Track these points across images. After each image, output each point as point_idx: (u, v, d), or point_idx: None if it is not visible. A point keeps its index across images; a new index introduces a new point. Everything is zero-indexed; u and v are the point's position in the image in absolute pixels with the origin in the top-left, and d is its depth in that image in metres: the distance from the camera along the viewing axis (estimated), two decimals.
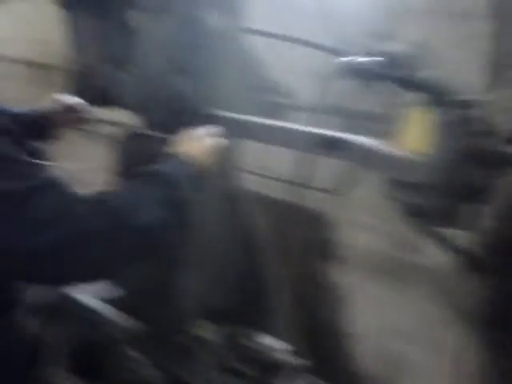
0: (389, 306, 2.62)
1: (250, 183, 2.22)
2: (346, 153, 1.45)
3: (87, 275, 1.29)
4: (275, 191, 2.79)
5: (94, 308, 2.07)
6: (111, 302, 2.08)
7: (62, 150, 1.96)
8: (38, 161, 1.28)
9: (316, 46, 1.92)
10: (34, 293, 2.83)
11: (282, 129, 1.55)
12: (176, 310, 1.91)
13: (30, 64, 4.50)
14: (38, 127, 1.83)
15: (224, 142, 1.56)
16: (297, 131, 1.53)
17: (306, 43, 1.94)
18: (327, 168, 2.65)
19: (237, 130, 1.66)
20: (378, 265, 2.66)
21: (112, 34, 1.77)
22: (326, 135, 1.47)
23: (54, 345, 2.16)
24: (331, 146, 1.46)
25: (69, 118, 1.90)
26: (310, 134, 1.50)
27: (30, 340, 1.57)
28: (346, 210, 2.67)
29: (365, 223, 2.65)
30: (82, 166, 3.46)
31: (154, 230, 1.31)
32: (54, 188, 1.19)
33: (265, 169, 2.90)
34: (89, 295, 2.15)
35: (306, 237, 2.67)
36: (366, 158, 1.44)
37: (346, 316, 2.75)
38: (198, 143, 1.51)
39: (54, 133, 1.90)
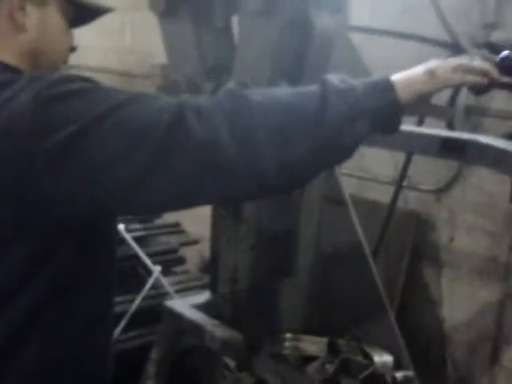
0: (492, 310, 2.50)
1: (349, 185, 2.14)
2: (477, 156, 1.34)
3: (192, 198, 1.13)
4: (374, 193, 2.72)
5: (191, 317, 2.03)
6: (207, 310, 2.04)
7: None
8: None
9: (425, 40, 1.82)
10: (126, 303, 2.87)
11: (404, 132, 1.45)
12: (274, 319, 1.85)
13: (118, 73, 4.58)
14: None
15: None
16: (421, 134, 1.42)
17: (415, 37, 1.83)
18: (427, 167, 2.58)
19: None
20: (481, 266, 2.54)
21: (214, 40, 1.72)
22: (454, 137, 1.36)
23: (150, 355, 2.16)
24: (460, 148, 1.35)
25: None
26: (435, 136, 1.39)
27: (126, 351, 1.51)
28: (447, 210, 2.57)
29: (468, 223, 2.54)
30: None
31: (285, 122, 1.09)
32: (147, 95, 1.11)
33: (362, 170, 2.83)
34: (184, 303, 2.13)
35: (406, 239, 2.58)
36: (499, 160, 1.32)
37: (448, 321, 2.64)
38: (420, 67, 1.20)
39: None
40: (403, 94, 1.14)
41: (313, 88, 1.13)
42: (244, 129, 1.07)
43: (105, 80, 4.69)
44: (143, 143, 1.05)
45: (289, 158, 1.09)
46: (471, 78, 1.21)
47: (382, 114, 1.13)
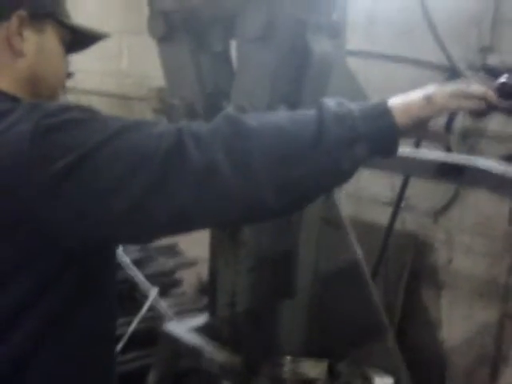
0: (492, 332, 2.50)
1: (346, 207, 2.15)
2: (475, 180, 1.35)
3: (184, 225, 1.14)
4: (371, 214, 2.72)
5: (188, 340, 2.02)
6: (205, 332, 2.03)
7: None
8: None
9: (421, 64, 1.83)
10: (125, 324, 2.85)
11: (402, 155, 1.46)
12: (273, 342, 1.84)
13: (116, 96, 4.60)
14: None
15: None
16: (419, 158, 1.43)
17: (411, 61, 1.85)
18: (424, 188, 2.58)
19: None
20: (480, 287, 2.53)
21: (212, 65, 1.73)
22: (453, 162, 1.36)
23: (148, 378, 2.15)
24: (459, 172, 1.36)
25: None
26: (433, 160, 1.40)
27: (124, 373, 1.50)
28: (445, 231, 2.57)
29: (466, 244, 2.54)
30: None
31: (282, 162, 1.08)
32: (145, 123, 1.12)
33: (360, 191, 2.84)
34: (182, 326, 2.11)
35: (404, 261, 2.57)
36: (498, 185, 1.33)
37: (447, 343, 2.63)
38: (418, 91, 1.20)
39: None
40: (400, 119, 1.14)
41: (310, 112, 1.13)
42: (242, 154, 1.07)
43: (102, 103, 4.77)
44: (141, 170, 1.06)
45: (286, 182, 1.09)
46: (469, 104, 1.20)
47: (380, 138, 1.13)
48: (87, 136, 1.07)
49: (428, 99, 1.18)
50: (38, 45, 1.26)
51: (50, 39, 1.29)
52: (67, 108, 1.11)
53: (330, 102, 1.14)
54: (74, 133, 1.07)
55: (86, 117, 1.11)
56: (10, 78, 1.24)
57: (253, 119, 1.12)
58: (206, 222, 1.20)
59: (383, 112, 1.14)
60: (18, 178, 1.06)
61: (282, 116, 1.17)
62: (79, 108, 1.13)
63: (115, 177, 1.06)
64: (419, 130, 1.22)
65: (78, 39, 1.38)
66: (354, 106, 1.14)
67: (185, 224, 1.15)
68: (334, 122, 1.09)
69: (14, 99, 1.21)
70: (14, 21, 1.21)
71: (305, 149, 1.09)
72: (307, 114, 1.14)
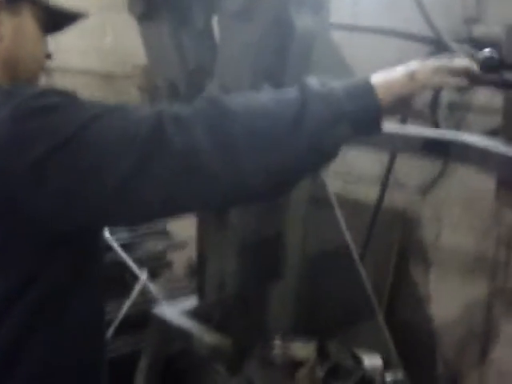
0: (481, 307, 2.50)
1: (333, 185, 2.14)
2: (461, 155, 1.33)
3: (167, 209, 1.13)
4: (359, 192, 2.71)
5: (179, 323, 2.01)
6: (195, 315, 2.02)
7: None
8: None
9: (406, 36, 1.80)
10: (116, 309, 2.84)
11: (388, 132, 1.43)
12: (262, 324, 1.83)
13: (99, 74, 4.55)
14: None
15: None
16: (405, 134, 1.41)
17: (396, 33, 1.82)
18: (411, 165, 2.57)
19: None
20: (468, 263, 2.53)
21: (194, 43, 1.69)
22: (439, 137, 1.34)
23: (139, 362, 2.14)
24: (445, 148, 1.34)
25: None
26: (419, 136, 1.38)
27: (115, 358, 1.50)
28: (433, 208, 2.56)
29: (453, 220, 2.53)
30: None
31: (262, 144, 1.07)
32: (123, 108, 1.10)
33: (347, 170, 2.82)
34: (172, 309, 2.10)
35: (392, 238, 2.56)
36: (484, 160, 1.31)
37: (436, 320, 2.64)
38: (400, 69, 1.19)
39: None
40: (383, 97, 1.13)
41: (293, 92, 1.12)
42: (225, 137, 1.06)
43: (86, 81, 4.68)
44: (122, 154, 1.04)
45: (271, 163, 1.08)
46: (452, 80, 1.20)
47: (363, 116, 1.12)
48: (66, 120, 1.06)
49: (410, 76, 1.17)
50: (15, 28, 1.24)
51: (27, 21, 1.27)
52: (44, 93, 1.10)
53: (313, 82, 1.13)
54: (53, 118, 1.06)
55: (63, 101, 1.09)
56: None
57: (235, 101, 1.11)
58: (193, 205, 1.19)
59: (366, 90, 1.13)
60: (2, 166, 1.04)
61: (264, 97, 1.15)
62: (56, 92, 1.12)
63: (96, 160, 1.05)
64: (402, 107, 1.21)
65: (57, 19, 1.36)
66: (336, 85, 1.13)
67: (172, 206, 1.14)
68: (317, 101, 1.09)
69: None
70: None
71: (288, 130, 1.08)
72: (290, 94, 1.13)
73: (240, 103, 1.10)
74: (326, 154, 1.13)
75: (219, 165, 1.05)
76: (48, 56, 1.37)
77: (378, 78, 1.15)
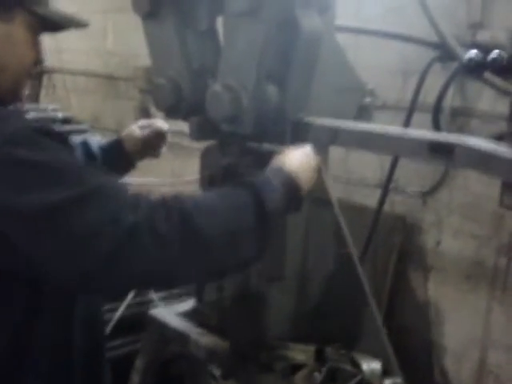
0: (480, 314, 2.49)
1: (334, 189, 2.13)
2: (465, 159, 1.31)
3: (144, 286, 1.30)
4: (359, 196, 2.70)
5: (175, 325, 2.00)
6: (192, 318, 2.00)
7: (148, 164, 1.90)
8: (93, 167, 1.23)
9: (412, 40, 1.79)
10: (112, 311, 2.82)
11: (391, 135, 1.42)
12: (260, 327, 1.82)
13: (101, 76, 4.54)
14: (126, 156, 1.81)
15: (320, 162, 1.49)
16: (408, 137, 1.39)
17: (401, 37, 1.81)
18: (413, 169, 2.56)
19: (332, 137, 1.55)
20: (468, 269, 2.52)
21: (198, 42, 1.68)
22: (442, 140, 1.33)
23: (135, 364, 2.13)
24: (448, 151, 1.32)
25: (157, 143, 1.86)
26: (422, 139, 1.37)
27: (111, 360, 1.52)
28: (434, 213, 2.55)
29: (454, 226, 2.52)
30: (169, 179, 3.46)
31: (232, 242, 1.19)
32: (101, 195, 1.09)
33: (348, 174, 2.81)
34: (169, 312, 2.09)
35: (393, 243, 2.55)
36: (488, 163, 1.30)
37: (436, 326, 2.62)
38: (302, 160, 1.41)
39: (140, 159, 1.87)
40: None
41: (250, 206, 1.23)
42: (192, 256, 1.14)
43: (88, 83, 4.67)
44: (92, 250, 1.05)
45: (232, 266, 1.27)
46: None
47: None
48: (35, 186, 1.05)
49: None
50: (4, 34, 1.23)
51: (18, 28, 1.26)
52: (21, 139, 1.08)
53: (260, 185, 1.27)
54: (23, 174, 1.05)
55: (37, 161, 1.06)
56: None
57: (205, 220, 1.16)
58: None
59: (298, 192, 1.36)
60: None
61: (226, 209, 1.21)
62: (34, 139, 1.09)
63: (62, 249, 1.05)
64: None
65: (55, 25, 1.34)
66: (277, 190, 1.29)
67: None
68: (271, 216, 1.25)
69: None
70: None
71: (251, 235, 1.23)
72: (248, 206, 1.23)
73: (211, 224, 1.16)
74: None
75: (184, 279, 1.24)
76: (39, 62, 1.35)
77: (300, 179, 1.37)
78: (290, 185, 1.34)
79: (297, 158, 1.41)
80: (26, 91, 1.40)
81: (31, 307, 1.18)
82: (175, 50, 1.68)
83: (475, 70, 1.16)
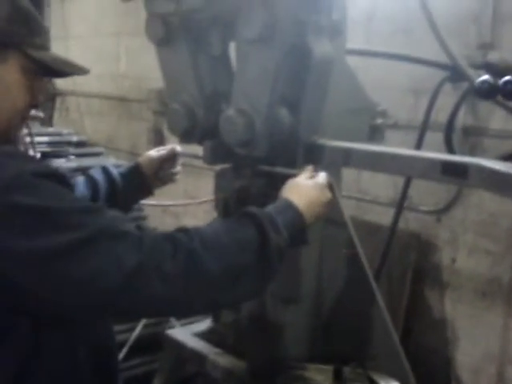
0: (496, 331, 2.47)
1: (348, 208, 2.13)
2: (479, 180, 1.32)
3: (150, 317, 1.39)
4: (373, 215, 2.70)
5: (192, 345, 2.00)
6: (209, 338, 2.01)
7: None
8: (99, 205, 1.25)
9: (422, 62, 1.81)
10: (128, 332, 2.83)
11: (405, 156, 1.44)
12: (277, 347, 1.82)
13: (114, 98, 4.59)
14: (144, 181, 1.81)
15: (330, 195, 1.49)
16: (422, 158, 1.41)
17: (412, 59, 1.83)
18: (427, 187, 2.57)
19: (345, 159, 1.57)
20: (484, 287, 2.51)
21: (211, 68, 1.71)
22: (456, 161, 1.34)
23: (154, 383, 2.13)
24: (462, 172, 1.33)
25: (173, 163, 1.87)
26: (436, 160, 1.38)
27: (128, 379, 1.51)
28: (449, 231, 2.55)
29: (469, 243, 2.52)
30: (183, 201, 3.49)
31: (234, 278, 1.21)
32: (103, 238, 1.09)
33: (361, 192, 2.82)
34: (186, 332, 2.09)
35: (408, 261, 2.55)
36: (503, 184, 1.30)
37: (453, 343, 2.61)
38: (313, 195, 1.42)
39: (157, 184, 1.87)
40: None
41: (254, 240, 1.25)
42: (196, 293, 1.17)
43: (102, 105, 4.73)
44: (95, 291, 1.07)
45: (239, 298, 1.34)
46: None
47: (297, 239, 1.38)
48: (47, 232, 1.05)
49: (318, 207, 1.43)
50: None
51: (11, 71, 1.22)
52: (24, 184, 1.07)
53: (268, 228, 1.27)
54: (24, 222, 1.05)
55: (40, 207, 1.06)
56: None
57: (210, 259, 1.17)
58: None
59: (302, 225, 1.38)
60: None
61: (230, 245, 1.23)
62: (36, 184, 1.09)
63: (69, 293, 1.07)
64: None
65: (51, 68, 1.30)
66: (281, 221, 1.31)
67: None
68: (276, 251, 1.26)
69: None
70: None
71: (256, 279, 1.27)
72: (252, 240, 1.25)
73: (214, 262, 1.18)
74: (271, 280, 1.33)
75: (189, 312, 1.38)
76: (34, 106, 1.31)
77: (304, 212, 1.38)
78: (296, 224, 1.35)
79: (307, 193, 1.42)
80: (22, 132, 1.38)
81: (34, 336, 1.17)
82: (189, 75, 1.70)
83: (487, 94, 1.17)
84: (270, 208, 1.35)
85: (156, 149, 1.87)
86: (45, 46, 1.29)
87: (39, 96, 1.31)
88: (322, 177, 1.48)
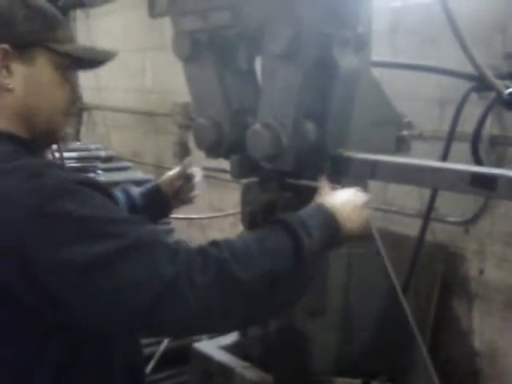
0: None
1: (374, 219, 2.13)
2: (508, 191, 1.31)
3: (185, 333, 1.32)
4: (399, 226, 2.69)
5: (220, 359, 2.00)
6: (236, 351, 2.01)
7: None
8: (134, 216, 1.22)
9: (447, 73, 1.81)
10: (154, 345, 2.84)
11: (432, 168, 1.43)
12: (304, 361, 1.81)
13: (140, 112, 4.64)
14: (165, 200, 1.84)
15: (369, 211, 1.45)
16: (450, 170, 1.40)
17: (437, 70, 1.83)
18: (454, 198, 2.55)
19: (372, 172, 1.56)
20: (511, 298, 2.48)
21: (238, 83, 1.72)
22: (485, 172, 1.33)
23: None
24: (491, 184, 1.33)
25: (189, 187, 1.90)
26: (465, 171, 1.37)
27: None
28: (476, 242, 2.52)
29: (497, 254, 2.49)
30: (209, 214, 3.52)
31: (269, 286, 1.18)
32: (141, 248, 1.09)
33: (387, 203, 2.81)
34: (213, 345, 2.10)
35: (435, 272, 2.53)
36: None
37: (482, 356, 2.57)
38: (345, 195, 1.40)
39: (177, 203, 1.90)
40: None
41: (287, 247, 1.22)
42: (234, 308, 1.16)
43: (128, 119, 4.78)
44: (132, 302, 1.07)
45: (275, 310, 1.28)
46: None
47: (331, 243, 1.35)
48: (82, 240, 1.05)
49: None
50: (27, 77, 1.19)
51: (42, 68, 1.21)
52: (66, 191, 1.08)
53: (297, 224, 1.25)
54: (69, 229, 1.05)
55: (83, 214, 1.07)
56: (2, 114, 1.19)
57: (242, 269, 1.16)
58: None
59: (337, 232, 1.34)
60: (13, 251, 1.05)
61: (263, 254, 1.20)
62: (78, 188, 1.09)
63: (105, 302, 1.08)
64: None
65: (81, 59, 1.28)
66: (315, 227, 1.28)
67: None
68: (309, 254, 1.23)
69: (10, 137, 1.18)
70: None
71: (290, 289, 1.24)
72: (285, 247, 1.23)
73: (246, 272, 1.16)
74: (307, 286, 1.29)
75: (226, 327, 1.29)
76: (74, 100, 1.30)
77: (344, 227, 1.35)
78: (329, 226, 1.31)
79: (340, 196, 1.40)
80: (68, 130, 1.39)
81: (69, 355, 1.18)
82: (215, 90, 1.72)
83: None
84: (301, 212, 1.32)
85: (177, 168, 1.89)
86: (69, 38, 1.27)
87: (76, 89, 1.31)
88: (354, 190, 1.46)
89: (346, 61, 1.49)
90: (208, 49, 1.67)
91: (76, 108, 1.37)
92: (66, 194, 1.07)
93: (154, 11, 1.69)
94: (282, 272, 1.19)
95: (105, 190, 1.18)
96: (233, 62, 1.70)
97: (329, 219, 1.32)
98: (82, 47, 1.30)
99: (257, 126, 1.59)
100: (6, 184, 1.07)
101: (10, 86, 1.18)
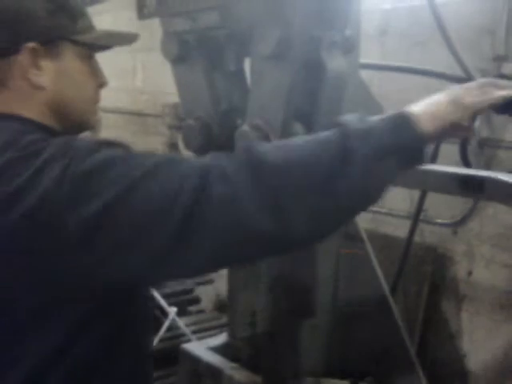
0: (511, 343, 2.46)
1: (363, 220, 2.13)
2: (497, 194, 1.32)
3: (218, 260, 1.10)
4: (389, 227, 2.70)
5: (208, 360, 2.00)
6: (225, 352, 2.01)
7: None
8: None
9: (435, 75, 1.82)
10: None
11: (421, 170, 1.44)
12: (293, 362, 1.82)
13: (131, 113, 4.64)
14: None
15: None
16: (438, 172, 1.41)
17: (425, 72, 1.84)
18: (443, 200, 2.56)
19: None
20: (501, 299, 2.49)
21: (226, 83, 1.72)
22: (473, 175, 1.34)
23: None
24: (480, 186, 1.34)
25: None
26: (453, 174, 1.38)
27: None
28: (465, 243, 2.54)
29: (486, 256, 2.50)
30: None
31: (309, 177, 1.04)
32: (172, 162, 1.07)
33: (377, 204, 2.80)
34: (201, 346, 2.10)
35: (424, 273, 2.54)
36: None
37: (470, 357, 2.59)
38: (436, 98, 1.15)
39: None
40: (427, 128, 1.08)
41: (331, 135, 1.08)
42: (270, 194, 1.03)
43: (117, 120, 4.78)
44: (170, 213, 1.02)
45: (318, 212, 1.05)
46: (502, 93, 1.13)
47: (407, 150, 1.08)
48: (115, 181, 1.03)
49: (455, 101, 1.12)
50: (58, 72, 1.20)
51: (70, 61, 1.22)
52: (95, 148, 1.07)
53: (351, 120, 1.09)
54: (102, 178, 1.03)
55: (113, 159, 1.06)
56: (35, 110, 1.19)
57: (276, 152, 1.07)
58: (238, 261, 1.27)
59: (407, 124, 1.08)
60: (53, 222, 1.02)
61: (303, 144, 1.10)
62: (108, 144, 1.10)
63: (144, 220, 1.03)
64: (454, 133, 1.16)
65: (104, 46, 1.32)
66: (375, 121, 1.09)
67: (219, 264, 1.15)
68: (359, 141, 1.04)
69: (45, 128, 1.19)
70: (25, 54, 1.16)
71: (333, 175, 1.04)
72: (329, 137, 1.08)
73: (281, 155, 1.06)
74: (372, 194, 1.10)
75: (267, 224, 1.02)
76: (102, 84, 1.32)
77: (421, 109, 1.11)
78: (405, 130, 1.07)
79: (430, 99, 1.15)
80: (98, 117, 1.38)
81: (111, 342, 1.16)
82: (204, 91, 1.72)
83: (505, 109, 1.16)
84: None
85: None
86: (89, 27, 1.28)
87: (102, 74, 1.32)
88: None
89: (334, 63, 1.49)
90: (197, 50, 1.67)
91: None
92: (93, 152, 1.07)
93: (142, 13, 1.69)
94: (324, 171, 1.04)
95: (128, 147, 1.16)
96: (221, 63, 1.70)
97: (405, 124, 1.08)
98: (105, 34, 1.32)
99: (245, 127, 1.59)
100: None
101: (41, 84, 1.18)
